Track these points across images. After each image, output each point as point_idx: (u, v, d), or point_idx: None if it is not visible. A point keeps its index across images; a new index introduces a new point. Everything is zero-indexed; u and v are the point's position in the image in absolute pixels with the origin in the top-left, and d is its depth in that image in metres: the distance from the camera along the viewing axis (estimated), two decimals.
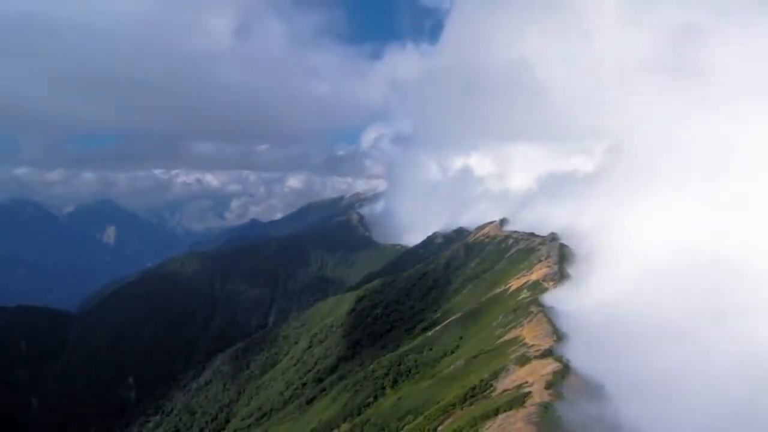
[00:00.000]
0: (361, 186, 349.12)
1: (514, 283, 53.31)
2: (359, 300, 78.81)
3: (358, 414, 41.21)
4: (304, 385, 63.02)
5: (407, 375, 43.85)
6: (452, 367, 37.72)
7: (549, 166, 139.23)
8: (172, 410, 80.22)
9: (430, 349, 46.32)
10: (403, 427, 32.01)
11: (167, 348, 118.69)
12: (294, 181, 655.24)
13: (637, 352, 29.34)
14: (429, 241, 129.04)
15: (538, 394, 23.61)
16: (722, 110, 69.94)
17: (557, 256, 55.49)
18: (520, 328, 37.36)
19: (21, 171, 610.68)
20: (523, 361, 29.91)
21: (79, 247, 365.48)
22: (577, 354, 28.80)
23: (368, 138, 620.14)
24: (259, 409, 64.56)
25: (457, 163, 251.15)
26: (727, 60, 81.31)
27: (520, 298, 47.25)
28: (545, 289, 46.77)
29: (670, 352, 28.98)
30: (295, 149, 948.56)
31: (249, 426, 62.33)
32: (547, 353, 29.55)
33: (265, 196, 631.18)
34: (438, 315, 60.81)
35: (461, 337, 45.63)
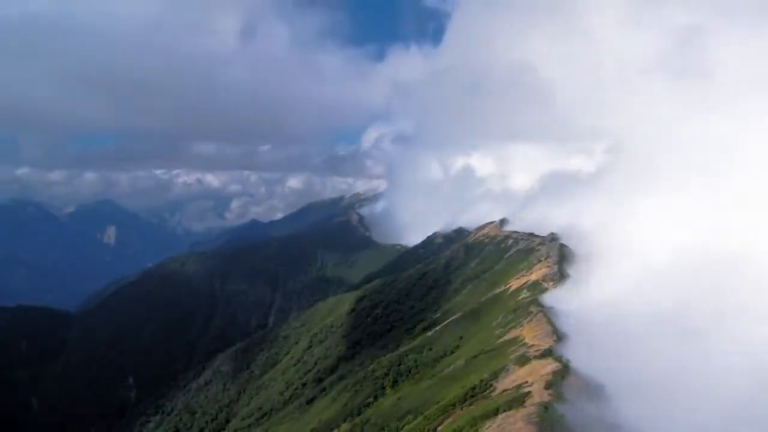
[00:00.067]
0: (361, 186, 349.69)
1: (514, 283, 53.30)
2: (359, 300, 78.82)
3: (358, 414, 41.22)
4: (304, 385, 63.03)
5: (407, 375, 43.85)
6: (452, 367, 37.72)
7: (551, 166, 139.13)
8: (172, 410, 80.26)
9: (430, 349, 46.32)
10: (403, 427, 32.01)
11: (167, 348, 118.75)
12: (294, 182, 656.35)
13: (637, 352, 29.34)
14: (429, 242, 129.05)
15: (538, 394, 23.61)
16: (723, 110, 69.93)
17: (557, 256, 55.48)
18: (520, 328, 37.36)
19: (22, 171, 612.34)
20: (523, 361, 29.91)
21: (79, 248, 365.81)
22: (576, 354, 28.80)
23: (369, 138, 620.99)
24: (259, 409, 64.57)
25: (459, 162, 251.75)
26: (729, 61, 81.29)
27: (519, 298, 47.24)
28: (545, 289, 46.77)
29: (670, 352, 28.98)
30: (296, 149, 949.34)
31: (249, 426, 62.34)
32: (547, 353, 29.55)
33: (266, 196, 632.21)
34: (438, 315, 60.80)
35: (461, 337, 45.63)
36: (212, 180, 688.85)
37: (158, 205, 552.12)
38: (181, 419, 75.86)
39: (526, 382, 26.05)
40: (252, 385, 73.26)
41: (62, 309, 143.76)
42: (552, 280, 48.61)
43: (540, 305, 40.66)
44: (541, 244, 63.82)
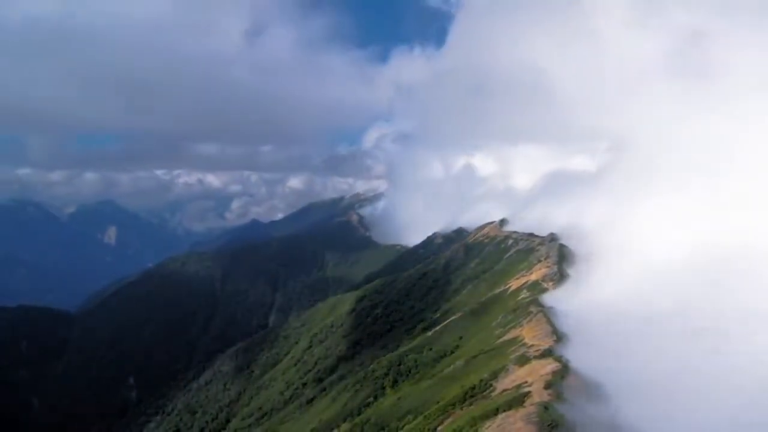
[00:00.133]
0: (361, 186, 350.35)
1: (514, 284, 53.32)
2: (359, 300, 78.87)
3: (358, 414, 41.25)
4: (304, 384, 63.08)
5: (407, 375, 43.88)
6: (452, 367, 37.74)
7: (553, 166, 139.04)
8: (172, 410, 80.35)
9: (430, 349, 46.33)
10: (402, 426, 32.04)
11: (168, 348, 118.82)
12: (295, 182, 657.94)
13: (637, 352, 29.31)
14: (429, 242, 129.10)
15: (538, 394, 23.61)
16: (725, 111, 69.83)
17: (557, 256, 55.49)
18: (520, 328, 37.37)
19: (23, 171, 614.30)
20: (523, 361, 29.92)
21: (79, 248, 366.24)
22: (576, 354, 28.81)
23: (370, 138, 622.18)
24: (260, 408, 64.63)
25: (461, 162, 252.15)
26: (732, 62, 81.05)
27: (519, 298, 47.26)
28: (545, 290, 46.79)
29: (670, 351, 28.95)
30: (298, 150, 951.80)
31: (249, 426, 62.40)
32: (547, 353, 29.56)
33: (266, 196, 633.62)
34: (438, 315, 60.82)
35: (461, 337, 45.64)
36: (213, 180, 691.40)
37: (159, 205, 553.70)
38: (181, 419, 75.95)
39: (526, 382, 26.06)
40: (252, 385, 73.32)
41: (63, 309, 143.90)
42: (552, 280, 48.63)
43: (540, 305, 40.67)
44: (541, 244, 63.83)
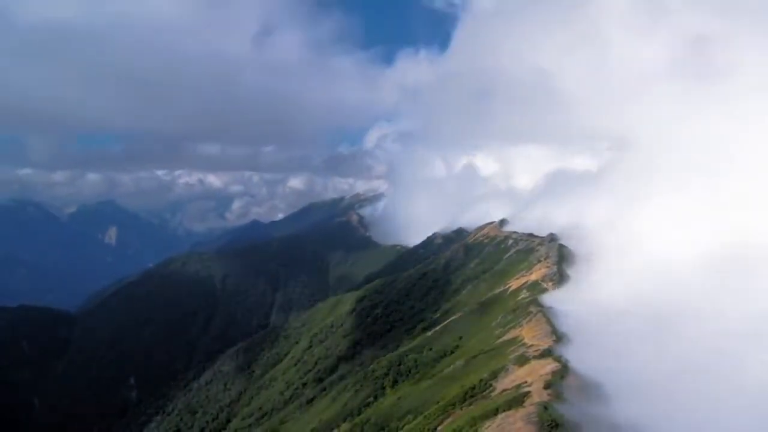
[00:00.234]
0: (362, 186, 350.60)
1: (514, 284, 53.36)
2: (359, 300, 78.92)
3: (358, 414, 41.30)
4: (304, 384, 63.13)
5: (407, 375, 43.92)
6: (452, 367, 37.78)
7: (555, 166, 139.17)
8: (173, 410, 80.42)
9: (430, 349, 46.38)
10: (402, 426, 32.08)
11: (168, 348, 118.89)
12: (296, 182, 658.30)
13: (637, 352, 29.33)
14: (429, 242, 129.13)
15: (537, 394, 23.64)
16: (727, 112, 69.99)
17: (556, 256, 55.54)
18: (520, 329, 37.41)
19: (24, 172, 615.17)
20: (523, 361, 29.96)
21: (80, 248, 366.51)
22: (576, 354, 28.84)
23: (371, 138, 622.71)
24: (260, 408, 64.69)
25: (463, 162, 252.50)
26: (734, 63, 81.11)
27: (519, 298, 47.30)
28: (544, 290, 46.84)
29: (670, 351, 28.97)
30: (299, 150, 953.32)
31: (250, 426, 62.46)
32: (546, 353, 29.59)
33: (267, 196, 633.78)
34: (438, 315, 60.86)
35: (461, 337, 45.68)
36: (214, 180, 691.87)
37: (159, 205, 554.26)
38: (182, 419, 76.01)
39: (526, 382, 26.09)
40: (253, 385, 73.38)
41: (63, 309, 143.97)
42: (551, 280, 48.67)
43: (539, 305, 40.71)
44: (541, 244, 63.87)
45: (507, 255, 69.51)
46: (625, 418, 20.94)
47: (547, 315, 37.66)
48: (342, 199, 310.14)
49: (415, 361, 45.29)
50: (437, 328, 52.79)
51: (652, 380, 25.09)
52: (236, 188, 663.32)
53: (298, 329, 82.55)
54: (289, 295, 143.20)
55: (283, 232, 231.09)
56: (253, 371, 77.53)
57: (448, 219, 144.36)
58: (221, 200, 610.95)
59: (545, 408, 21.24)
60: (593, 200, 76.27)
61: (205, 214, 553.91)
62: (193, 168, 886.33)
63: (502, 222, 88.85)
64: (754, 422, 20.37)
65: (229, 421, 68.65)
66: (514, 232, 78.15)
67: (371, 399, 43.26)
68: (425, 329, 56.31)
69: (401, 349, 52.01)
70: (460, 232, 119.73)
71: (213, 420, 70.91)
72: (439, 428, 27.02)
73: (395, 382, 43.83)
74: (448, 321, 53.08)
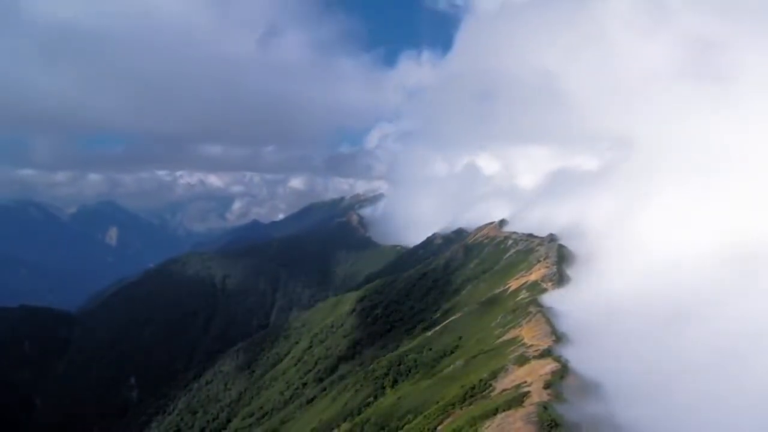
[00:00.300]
0: (362, 187, 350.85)
1: (513, 284, 53.39)
2: (359, 300, 79.02)
3: (358, 414, 41.34)
4: (304, 384, 63.23)
5: (407, 375, 43.97)
6: (452, 367, 37.81)
7: (557, 165, 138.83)
8: (173, 410, 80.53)
9: (430, 349, 46.42)
10: (402, 426, 32.12)
11: (169, 348, 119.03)
12: (296, 182, 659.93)
13: (637, 352, 29.34)
14: (428, 242, 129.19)
15: (537, 394, 23.68)
16: (729, 113, 70.05)
17: (556, 256, 55.58)
18: (519, 329, 37.45)
19: (26, 172, 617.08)
20: (522, 361, 30.00)
21: (81, 248, 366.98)
22: (576, 354, 28.87)
23: (373, 138, 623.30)
24: (260, 408, 64.78)
25: (465, 161, 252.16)
26: (737, 65, 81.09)
27: (519, 298, 47.33)
28: (544, 290, 46.86)
29: (671, 351, 28.98)
30: (300, 151, 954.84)
31: (250, 425, 62.54)
32: (546, 353, 29.62)
33: (268, 197, 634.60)
34: (437, 315, 60.91)
35: (461, 337, 45.72)
36: (215, 181, 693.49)
37: (160, 205, 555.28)
38: (182, 419, 76.12)
39: (525, 382, 26.13)
40: (253, 385, 73.47)
41: (64, 309, 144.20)
42: (551, 280, 48.69)
43: (539, 305, 40.74)
44: (540, 244, 63.91)
45: (507, 255, 69.56)
46: (625, 418, 20.96)
47: (546, 315, 37.70)
48: (342, 199, 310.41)
49: (415, 361, 45.34)
50: (437, 328, 52.83)
51: (652, 380, 25.10)
52: (237, 188, 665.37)
53: (298, 329, 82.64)
54: (290, 295, 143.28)
55: (283, 233, 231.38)
56: (254, 371, 77.63)
57: (450, 218, 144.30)
58: (222, 200, 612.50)
59: (545, 408, 21.28)
60: (595, 200, 76.29)
61: (206, 215, 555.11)
62: (194, 168, 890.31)
63: (502, 222, 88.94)
64: (755, 422, 20.37)
65: (229, 420, 68.74)
66: (514, 233, 78.23)
67: (371, 399, 43.30)
68: (425, 329, 56.36)
69: (401, 349, 52.06)
70: (459, 233, 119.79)
71: (213, 420, 71.01)
72: (439, 428, 27.06)
73: (395, 382, 43.89)
74: (448, 321, 53.11)
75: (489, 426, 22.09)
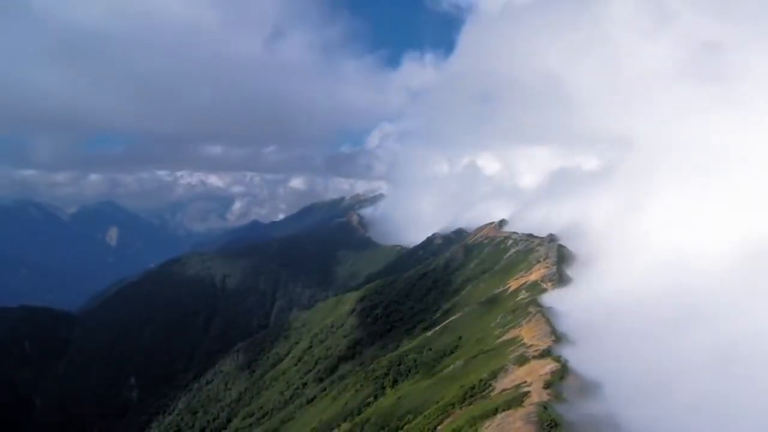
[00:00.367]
0: (363, 187, 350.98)
1: (513, 284, 53.43)
2: (359, 300, 79.04)
3: (359, 413, 41.37)
4: (304, 384, 63.24)
5: (407, 375, 44.00)
6: (451, 367, 37.85)
7: (559, 165, 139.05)
8: (174, 410, 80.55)
9: (430, 349, 46.45)
10: (402, 426, 32.15)
11: (169, 348, 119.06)
12: (297, 182, 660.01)
13: (637, 352, 29.35)
14: (428, 242, 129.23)
15: (537, 394, 23.72)
16: (731, 113, 70.11)
17: (556, 256, 55.61)
18: (519, 329, 37.48)
19: (27, 173, 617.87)
20: (522, 361, 30.03)
21: (81, 248, 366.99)
22: (575, 354, 28.90)
23: (374, 138, 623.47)
24: (260, 408, 64.79)
25: (467, 161, 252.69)
26: (739, 66, 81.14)
27: (518, 298, 47.37)
28: (544, 290, 46.89)
29: (670, 351, 28.98)
30: (301, 151, 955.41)
31: (250, 425, 62.56)
32: (546, 353, 29.67)
33: (268, 197, 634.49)
34: (437, 315, 60.94)
35: (460, 338, 45.75)
36: (215, 181, 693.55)
37: (160, 206, 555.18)
38: (182, 419, 76.14)
39: (525, 382, 26.17)
40: (253, 385, 73.48)
41: (64, 309, 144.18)
42: (551, 280, 48.73)
43: (539, 305, 40.79)
44: (540, 244, 63.94)
45: (507, 255, 69.59)
46: (625, 418, 20.98)
47: (546, 315, 37.73)
48: (342, 199, 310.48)
49: (415, 361, 45.37)
50: (437, 328, 52.86)
51: (652, 380, 25.11)
52: (237, 189, 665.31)
53: (298, 329, 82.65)
54: (290, 295, 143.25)
55: (283, 233, 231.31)
56: (254, 371, 77.64)
57: (451, 218, 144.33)
58: (222, 201, 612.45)
59: (545, 408, 21.31)
60: (596, 200, 76.39)
61: (206, 215, 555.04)
62: (195, 168, 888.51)
63: (502, 222, 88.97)
64: (756, 422, 20.37)
65: (229, 420, 68.76)
66: (514, 233, 78.27)
67: (371, 399, 43.33)
68: (425, 329, 56.39)
69: (401, 349, 52.10)
70: (459, 233, 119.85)
71: (214, 420, 71.03)
72: (438, 428, 27.09)
73: (395, 382, 43.91)
74: (447, 321, 53.15)
75: (489, 426, 22.11)
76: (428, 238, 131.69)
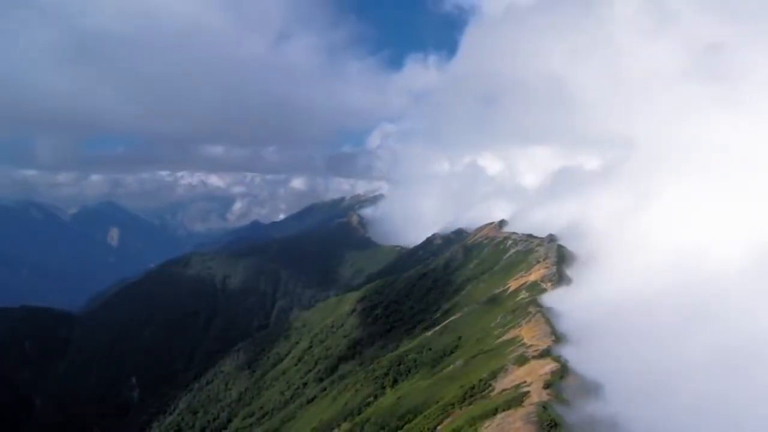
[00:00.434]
0: (363, 187, 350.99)
1: (513, 284, 53.39)
2: (360, 300, 79.03)
3: (359, 413, 41.36)
4: (305, 384, 63.25)
5: (407, 375, 43.98)
6: (451, 367, 37.83)
7: (560, 165, 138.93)
8: (174, 410, 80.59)
9: (430, 349, 46.42)
10: (402, 426, 32.13)
11: (169, 348, 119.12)
12: (297, 183, 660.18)
13: (637, 353, 29.31)
14: (428, 242, 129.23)
15: (537, 394, 23.70)
16: (732, 114, 70.11)
17: (555, 257, 55.55)
18: (519, 329, 37.45)
19: (28, 173, 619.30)
20: (522, 361, 30.00)
21: (82, 248, 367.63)
22: (575, 354, 28.86)
23: (374, 139, 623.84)
24: (261, 408, 64.81)
25: (468, 161, 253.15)
26: (742, 67, 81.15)
27: (518, 298, 47.33)
28: (543, 290, 46.86)
29: (670, 351, 28.93)
30: (301, 151, 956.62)
31: (251, 425, 62.59)
32: (546, 353, 29.64)
33: (269, 197, 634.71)
34: (437, 315, 60.91)
35: (460, 337, 45.72)
36: (216, 181, 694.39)
37: (161, 206, 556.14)
38: (183, 419, 76.19)
39: (525, 382, 26.14)
40: (253, 385, 73.51)
41: (65, 309, 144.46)
42: (550, 280, 48.69)
43: (538, 305, 40.76)
44: (540, 245, 63.89)
45: (506, 255, 69.54)
46: (625, 418, 20.94)
47: (546, 315, 37.70)
48: (343, 199, 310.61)
49: (415, 361, 45.34)
50: (437, 328, 52.83)
51: (652, 380, 25.08)
52: (238, 189, 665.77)
53: (298, 329, 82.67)
54: (290, 295, 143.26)
55: (283, 233, 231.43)
56: (254, 371, 77.67)
57: (451, 218, 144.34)
58: (223, 201, 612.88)
59: (544, 408, 21.29)
60: (597, 200, 76.39)
61: (207, 215, 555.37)
62: (196, 169, 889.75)
63: (502, 223, 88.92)
64: (757, 422, 20.32)
65: (230, 420, 68.78)
66: (514, 233, 78.21)
67: (371, 399, 43.32)
68: (425, 329, 56.37)
69: (401, 349, 52.08)
70: (459, 233, 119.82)
71: (214, 420, 71.05)
72: (438, 428, 27.06)
73: (395, 381, 43.90)
74: (447, 321, 53.12)
75: (489, 426, 22.09)
76: (428, 238, 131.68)
